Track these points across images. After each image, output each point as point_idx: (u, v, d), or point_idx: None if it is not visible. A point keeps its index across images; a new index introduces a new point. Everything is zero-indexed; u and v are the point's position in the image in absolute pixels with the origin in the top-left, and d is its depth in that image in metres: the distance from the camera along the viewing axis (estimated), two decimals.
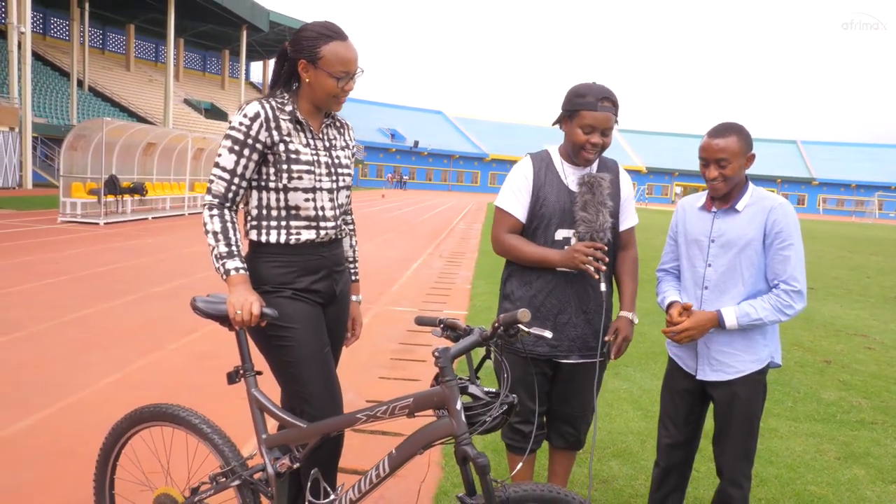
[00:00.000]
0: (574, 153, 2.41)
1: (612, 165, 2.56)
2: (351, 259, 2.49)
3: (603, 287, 2.40)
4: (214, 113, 50.73)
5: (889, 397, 4.95)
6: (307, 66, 2.10)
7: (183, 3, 39.00)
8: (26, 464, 3.17)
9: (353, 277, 2.50)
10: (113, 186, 16.40)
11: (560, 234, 2.42)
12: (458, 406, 1.66)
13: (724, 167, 2.25)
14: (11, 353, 4.89)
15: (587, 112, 2.31)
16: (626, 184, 2.58)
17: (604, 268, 2.32)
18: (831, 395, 4.90)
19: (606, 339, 2.42)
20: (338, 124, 2.32)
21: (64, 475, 3.07)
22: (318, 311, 2.21)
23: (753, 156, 2.32)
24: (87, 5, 39.43)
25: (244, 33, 46.20)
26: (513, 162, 74.64)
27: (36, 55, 37.22)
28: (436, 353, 1.68)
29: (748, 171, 2.37)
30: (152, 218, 17.60)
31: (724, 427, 2.37)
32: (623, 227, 2.55)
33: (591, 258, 2.29)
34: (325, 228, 2.20)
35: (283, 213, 2.15)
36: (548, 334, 1.81)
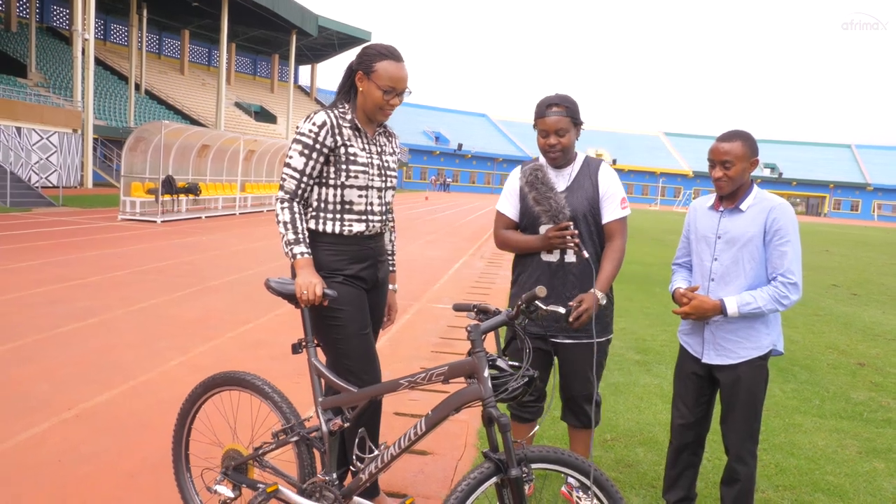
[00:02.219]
0: (544, 157, 2.82)
1: (593, 165, 2.87)
2: (390, 252, 2.83)
3: (586, 254, 2.68)
4: (264, 116, 52.01)
5: None
6: (362, 76, 2.45)
7: (235, 9, 40.14)
8: (106, 432, 3.57)
9: (391, 268, 2.83)
10: (169, 186, 17.15)
11: (543, 229, 2.80)
12: (486, 374, 1.95)
13: (729, 168, 2.51)
14: (87, 336, 5.35)
15: (539, 119, 2.74)
16: (604, 180, 2.82)
17: (577, 240, 2.65)
18: (861, 396, 5.01)
19: (571, 304, 2.61)
20: (388, 133, 2.69)
21: (140, 442, 3.45)
22: (363, 295, 2.56)
23: (757, 161, 2.58)
24: (144, 12, 40.96)
25: (293, 38, 47.27)
26: None
27: (96, 60, 38.82)
28: (468, 329, 1.98)
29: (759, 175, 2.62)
30: (205, 217, 18.32)
31: (730, 408, 2.62)
32: (604, 220, 2.81)
33: (560, 237, 2.67)
34: (373, 222, 2.57)
35: (339, 206, 2.50)
36: (561, 310, 2.12)
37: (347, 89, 2.54)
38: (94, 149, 31.57)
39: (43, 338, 5.26)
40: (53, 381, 4.30)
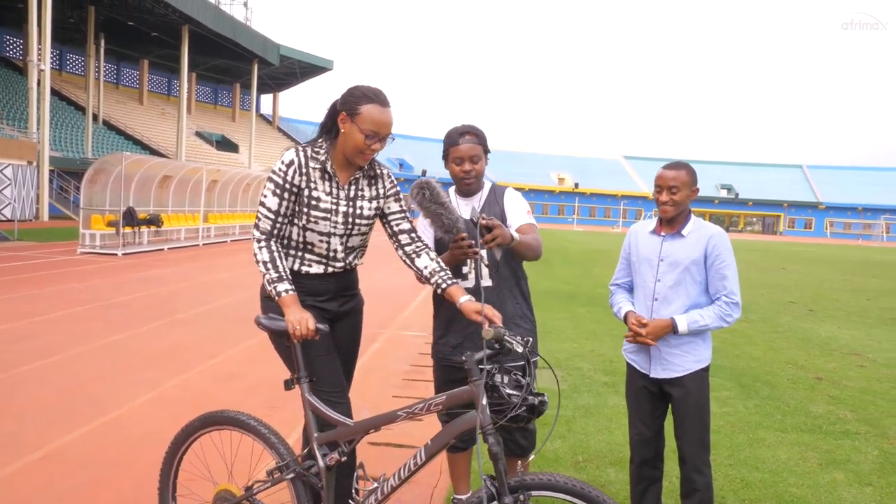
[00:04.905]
0: (457, 185, 2.90)
1: (499, 190, 2.99)
2: (438, 268, 2.51)
3: (484, 254, 2.72)
4: (225, 145, 51.69)
5: (874, 410, 5.24)
6: (346, 118, 2.39)
7: (196, 39, 40.07)
8: (79, 469, 3.52)
9: (451, 282, 2.48)
10: (130, 218, 16.90)
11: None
12: (484, 402, 1.98)
13: (675, 194, 2.71)
14: (52, 375, 5.26)
15: (453, 147, 2.81)
16: (510, 200, 2.94)
17: (477, 249, 2.51)
18: (819, 409, 5.20)
19: (482, 215, 2.47)
20: (372, 174, 2.57)
21: (113, 480, 3.42)
22: (325, 323, 2.42)
23: (697, 190, 2.79)
24: (102, 42, 40.56)
25: (255, 67, 47.27)
26: (518, 189, 74.51)
27: (52, 90, 38.25)
28: (464, 358, 2.03)
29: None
30: (168, 248, 18.08)
31: (682, 420, 2.78)
32: (513, 227, 2.84)
33: (460, 248, 2.53)
34: (334, 266, 2.53)
35: (301, 245, 2.49)
36: (518, 348, 2.03)
37: (330, 127, 2.48)
38: (51, 181, 30.96)
39: (7, 376, 5.16)
40: (20, 420, 4.23)
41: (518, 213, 2.92)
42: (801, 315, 10.56)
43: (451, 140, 2.82)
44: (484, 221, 2.40)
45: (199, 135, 50.29)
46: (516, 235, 2.57)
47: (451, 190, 2.96)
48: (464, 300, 2.40)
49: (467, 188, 2.87)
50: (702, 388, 2.77)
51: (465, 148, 2.79)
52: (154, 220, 18.09)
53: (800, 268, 22.04)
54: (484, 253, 2.76)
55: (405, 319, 8.61)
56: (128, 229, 16.90)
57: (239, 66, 50.56)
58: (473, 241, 2.53)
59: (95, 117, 40.84)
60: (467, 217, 2.75)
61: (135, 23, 39.83)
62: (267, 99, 64.59)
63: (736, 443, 4.34)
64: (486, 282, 2.83)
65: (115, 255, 15.40)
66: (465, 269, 2.87)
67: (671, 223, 2.79)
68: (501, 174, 76.22)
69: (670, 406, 2.86)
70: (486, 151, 2.87)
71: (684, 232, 2.77)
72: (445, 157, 2.87)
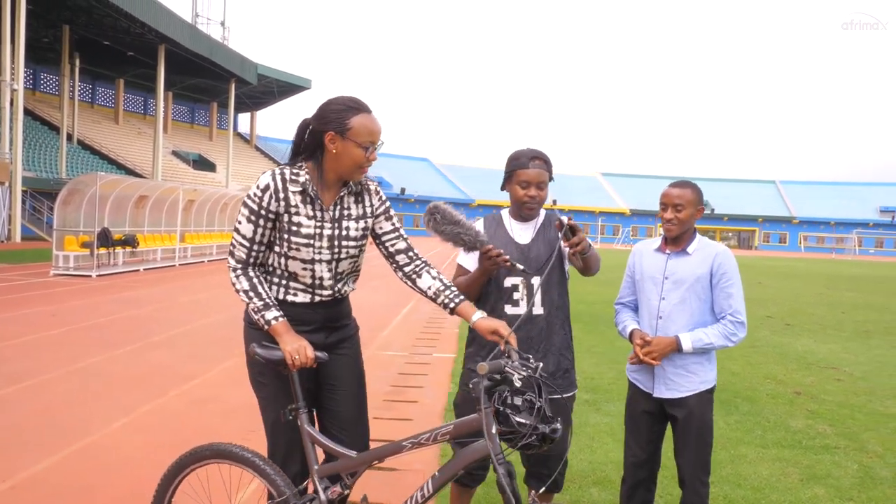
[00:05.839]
0: (518, 209, 2.77)
1: (553, 217, 2.80)
2: (443, 287, 2.40)
3: (520, 266, 2.58)
4: (202, 164, 51.33)
5: (853, 424, 5.28)
6: (335, 137, 2.20)
7: (173, 59, 39.87)
8: (51, 499, 3.41)
9: (458, 300, 2.36)
10: (105, 239, 16.66)
11: (508, 281, 2.71)
12: (493, 430, 1.89)
13: (680, 212, 2.69)
14: (22, 401, 5.13)
15: (521, 170, 2.68)
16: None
17: (506, 256, 2.52)
18: (798, 424, 5.22)
19: (569, 216, 2.55)
20: (357, 190, 2.39)
21: None
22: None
23: (703, 209, 2.77)
24: (77, 61, 40.20)
25: (232, 86, 47.12)
26: (497, 207, 74.26)
27: (25, 110, 37.79)
28: (471, 385, 1.94)
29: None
30: (144, 269, 17.82)
31: (684, 442, 2.74)
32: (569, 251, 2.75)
33: (490, 259, 2.53)
34: (321, 295, 2.34)
35: (285, 273, 2.32)
36: (517, 382, 1.93)
37: (312, 150, 2.28)
38: (23, 201, 30.47)
39: None
40: None
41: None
42: (779, 329, 10.66)
43: (520, 163, 2.69)
44: (570, 222, 2.36)
45: (175, 154, 49.89)
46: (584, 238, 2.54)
47: (505, 212, 2.86)
48: (477, 318, 2.29)
49: (529, 213, 2.75)
50: (705, 410, 2.74)
51: (533, 173, 2.67)
52: (129, 241, 17.85)
53: (775, 282, 22.31)
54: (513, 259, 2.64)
55: (385, 339, 8.54)
56: (102, 250, 16.65)
57: (216, 86, 50.36)
58: (502, 251, 2.50)
59: (70, 137, 40.36)
60: (525, 242, 2.72)
61: (110, 42, 39.56)
62: (244, 118, 64.39)
63: (718, 459, 4.33)
64: (538, 309, 2.69)
65: (90, 276, 15.15)
66: (516, 295, 2.71)
67: (676, 241, 2.77)
68: (479, 191, 76.52)
69: (671, 426, 2.82)
70: (551, 179, 2.75)
71: (689, 250, 2.75)
72: (509, 178, 2.74)
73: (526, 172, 2.68)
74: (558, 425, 1.90)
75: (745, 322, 2.70)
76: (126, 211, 18.92)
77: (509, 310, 2.70)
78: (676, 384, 2.73)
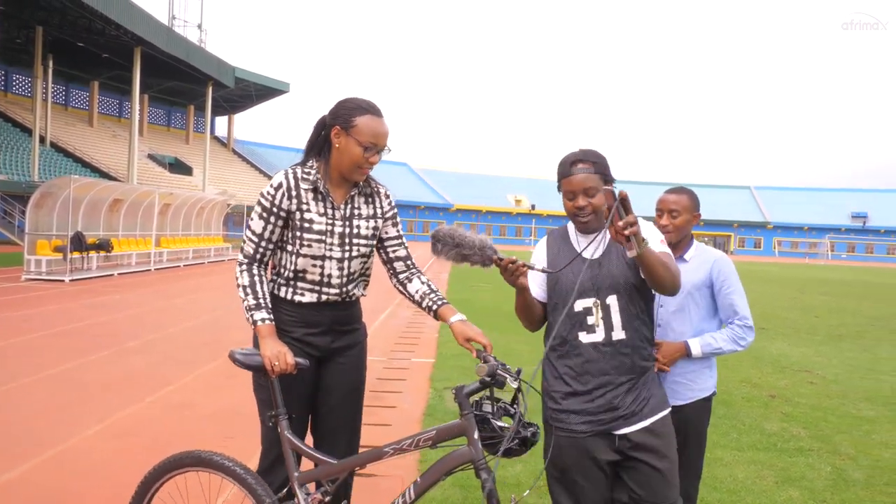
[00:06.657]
0: (573, 222, 2.39)
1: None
2: (428, 291, 2.44)
3: (539, 267, 2.33)
4: (179, 167, 50.76)
5: (826, 426, 5.36)
6: (340, 132, 2.27)
7: (149, 61, 39.37)
8: None
9: (441, 302, 2.40)
10: (79, 243, 16.41)
11: (579, 304, 2.29)
12: (476, 436, 1.90)
13: (676, 218, 2.71)
14: None
15: (564, 179, 2.29)
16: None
17: (521, 262, 2.19)
18: (773, 427, 5.29)
19: (622, 191, 2.02)
20: (368, 191, 2.44)
21: None
22: (302, 372, 2.27)
23: (699, 215, 2.78)
24: (50, 63, 39.58)
25: (210, 89, 46.69)
26: (476, 211, 75.80)
27: None
28: (453, 391, 1.95)
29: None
30: (118, 274, 17.58)
31: (681, 448, 2.71)
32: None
33: (509, 270, 2.17)
34: (329, 294, 2.35)
35: (293, 273, 2.34)
36: (513, 383, 1.95)
37: (321, 146, 2.35)
38: None
39: None
40: None
41: (651, 241, 2.22)
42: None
43: (563, 170, 2.29)
44: (624, 195, 1.96)
45: (151, 157, 49.29)
46: (653, 246, 2.13)
47: (571, 225, 2.44)
48: (455, 320, 2.28)
49: (584, 227, 2.32)
50: (703, 418, 2.74)
51: (577, 179, 2.24)
52: (104, 245, 17.60)
53: (751, 286, 22.55)
54: (540, 261, 2.38)
55: None
56: (76, 254, 16.39)
57: (193, 89, 49.83)
58: (515, 258, 2.15)
59: (42, 139, 39.66)
60: (596, 256, 2.29)
61: (85, 44, 38.97)
62: (222, 121, 63.80)
63: None
64: (619, 334, 2.26)
65: (63, 281, 14.90)
66: (591, 320, 2.27)
67: (673, 248, 2.72)
68: (457, 196, 76.68)
69: None
70: (609, 181, 2.28)
71: (687, 256, 2.74)
72: (559, 189, 2.35)
73: (569, 181, 2.27)
74: (537, 429, 1.94)
75: (752, 326, 2.70)
76: (100, 215, 18.66)
77: (584, 338, 2.28)
78: (675, 392, 2.68)
